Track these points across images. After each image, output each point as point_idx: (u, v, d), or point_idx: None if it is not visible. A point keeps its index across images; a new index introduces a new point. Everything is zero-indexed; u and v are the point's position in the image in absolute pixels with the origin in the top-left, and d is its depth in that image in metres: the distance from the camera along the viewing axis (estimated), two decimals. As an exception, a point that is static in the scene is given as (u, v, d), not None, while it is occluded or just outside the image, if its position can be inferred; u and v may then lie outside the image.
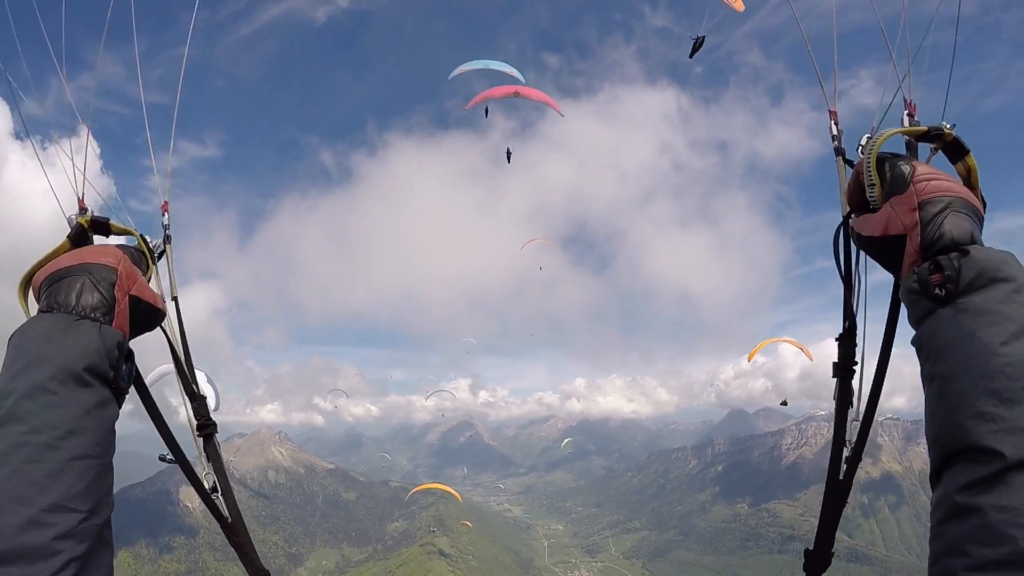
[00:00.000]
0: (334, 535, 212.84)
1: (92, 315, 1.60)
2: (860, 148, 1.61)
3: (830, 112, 2.00)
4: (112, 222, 1.96)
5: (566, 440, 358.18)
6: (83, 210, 2.06)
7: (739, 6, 24.63)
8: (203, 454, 2.35)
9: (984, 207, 1.52)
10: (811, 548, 2.06)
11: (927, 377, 1.35)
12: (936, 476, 1.27)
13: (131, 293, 1.73)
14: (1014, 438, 1.13)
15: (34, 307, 1.68)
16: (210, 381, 28.90)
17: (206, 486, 2.31)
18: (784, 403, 51.21)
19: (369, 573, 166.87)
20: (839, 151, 1.95)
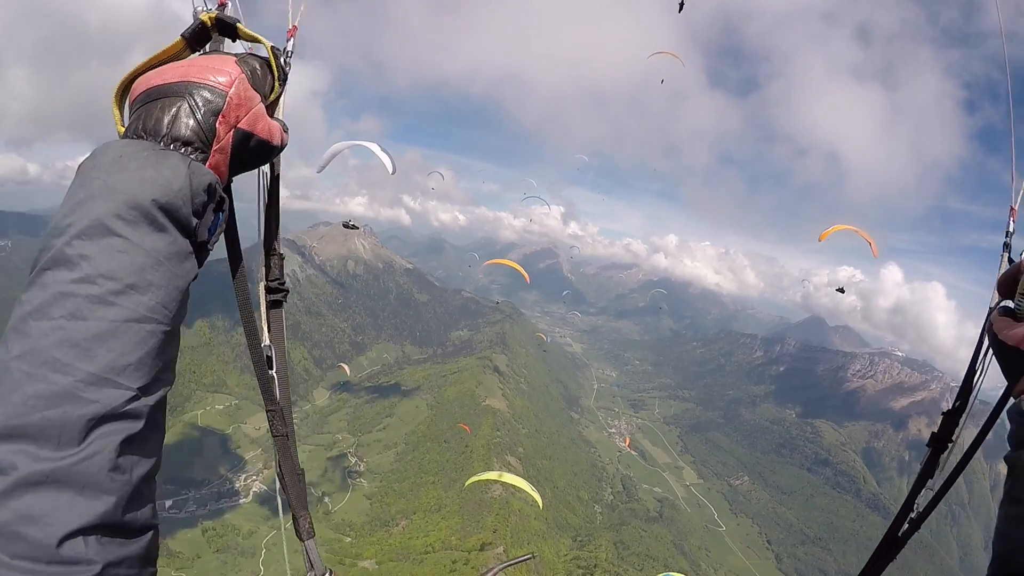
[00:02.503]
0: (399, 331, 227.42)
1: (182, 149, 1.34)
2: None
3: (1011, 209, 2.05)
4: (240, 25, 1.60)
5: (654, 290, 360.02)
6: (222, 6, 1.70)
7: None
8: (265, 320, 1.98)
9: None
10: None
11: (1012, 498, 1.36)
12: None
13: (239, 126, 1.44)
14: None
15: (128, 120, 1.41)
16: (384, 150, 27.77)
17: (263, 357, 1.94)
18: (841, 290, 48.17)
19: (424, 373, 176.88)
20: (1007, 247, 2.01)
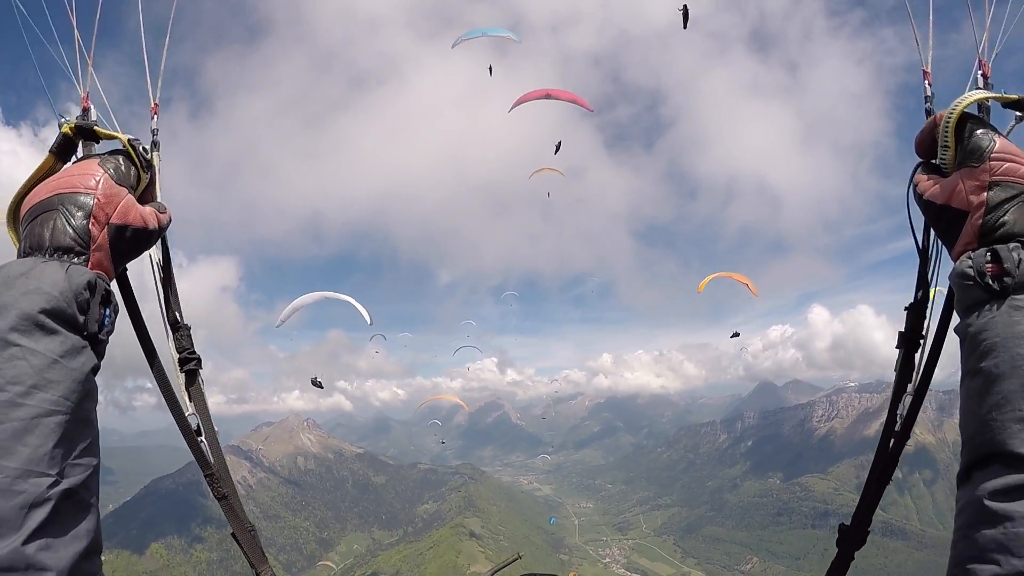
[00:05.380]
0: (364, 519, 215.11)
1: (63, 257, 1.45)
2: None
3: (924, 72, 1.92)
4: (97, 127, 1.74)
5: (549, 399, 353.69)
6: (85, 111, 1.83)
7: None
8: (184, 392, 2.04)
9: None
10: (847, 523, 1.99)
11: (970, 371, 1.31)
12: (965, 474, 1.24)
13: (112, 221, 1.55)
14: None
15: None
16: (357, 301, 30.31)
17: (190, 427, 2.00)
18: (735, 334, 50.49)
19: (400, 556, 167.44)
20: (930, 113, 1.83)
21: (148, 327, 1.84)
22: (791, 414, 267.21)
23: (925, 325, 1.89)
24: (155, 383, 1.90)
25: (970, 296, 1.34)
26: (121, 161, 1.66)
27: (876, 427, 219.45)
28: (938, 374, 1.76)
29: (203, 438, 2.03)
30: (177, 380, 2.01)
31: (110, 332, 1.49)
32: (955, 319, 1.44)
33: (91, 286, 1.41)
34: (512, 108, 31.40)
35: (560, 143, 38.73)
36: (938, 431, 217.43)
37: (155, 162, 1.84)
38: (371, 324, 32.80)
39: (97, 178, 1.55)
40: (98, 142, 1.75)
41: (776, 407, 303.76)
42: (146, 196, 1.74)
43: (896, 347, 1.95)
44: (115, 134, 1.72)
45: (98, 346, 1.44)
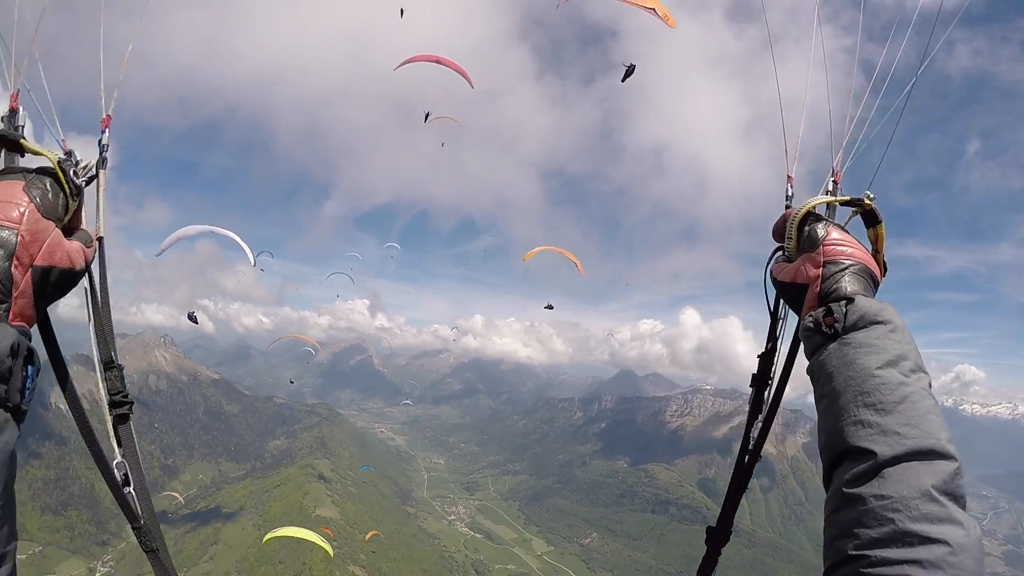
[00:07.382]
0: (212, 448, 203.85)
1: None
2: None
3: (788, 177, 2.33)
4: (24, 141, 1.48)
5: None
6: (12, 112, 1.60)
7: (671, 23, 23.22)
8: (113, 437, 1.84)
9: (884, 271, 1.85)
10: (712, 525, 2.40)
11: (818, 397, 1.65)
12: (827, 477, 1.55)
13: (36, 264, 1.32)
14: (886, 439, 1.42)
15: None
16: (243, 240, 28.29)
17: (117, 477, 1.79)
18: (549, 307, 50.98)
19: (246, 491, 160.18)
20: (788, 208, 2.23)
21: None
22: (647, 404, 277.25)
23: (772, 370, 2.29)
24: (78, 430, 1.68)
25: (813, 343, 1.71)
26: (48, 186, 1.42)
27: (724, 430, 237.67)
28: (785, 395, 2.21)
29: (131, 488, 1.83)
30: (106, 425, 1.83)
31: (31, 399, 1.31)
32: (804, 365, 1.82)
33: (14, 350, 1.20)
34: (398, 67, 30.36)
35: (428, 113, 35.97)
36: (780, 445, 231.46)
37: (100, 179, 1.64)
38: (254, 265, 31.67)
39: (22, 209, 1.33)
40: (23, 155, 1.50)
41: (634, 395, 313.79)
42: (72, 222, 1.52)
43: (750, 386, 2.36)
44: (43, 152, 1.47)
45: (17, 416, 1.24)
